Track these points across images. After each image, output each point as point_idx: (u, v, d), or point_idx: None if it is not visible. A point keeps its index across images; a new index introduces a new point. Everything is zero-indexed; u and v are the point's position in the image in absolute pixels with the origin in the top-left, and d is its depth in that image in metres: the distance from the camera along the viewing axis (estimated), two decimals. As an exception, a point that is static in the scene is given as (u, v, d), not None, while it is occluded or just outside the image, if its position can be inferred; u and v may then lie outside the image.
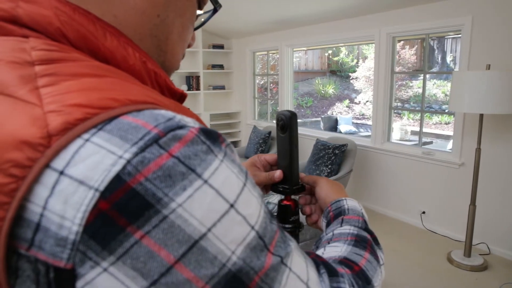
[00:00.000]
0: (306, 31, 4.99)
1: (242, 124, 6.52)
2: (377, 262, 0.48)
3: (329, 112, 13.11)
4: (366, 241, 0.51)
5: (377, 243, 0.53)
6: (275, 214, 0.70)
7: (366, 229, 0.54)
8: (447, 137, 9.13)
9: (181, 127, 0.28)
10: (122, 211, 0.25)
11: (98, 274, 0.25)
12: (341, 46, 12.61)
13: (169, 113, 0.29)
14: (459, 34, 3.40)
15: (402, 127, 9.37)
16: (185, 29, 0.44)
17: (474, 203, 3.03)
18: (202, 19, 0.52)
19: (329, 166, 4.00)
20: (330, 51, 13.93)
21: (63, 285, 0.25)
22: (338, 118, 10.99)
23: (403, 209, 4.03)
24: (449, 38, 11.30)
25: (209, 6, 0.49)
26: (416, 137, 4.02)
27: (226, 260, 0.28)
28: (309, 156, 4.34)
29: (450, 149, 3.65)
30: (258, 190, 0.33)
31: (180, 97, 0.42)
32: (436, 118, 10.74)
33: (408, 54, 11.33)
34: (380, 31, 4.01)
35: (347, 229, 0.53)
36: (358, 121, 11.72)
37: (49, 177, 0.25)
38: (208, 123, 6.11)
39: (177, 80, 6.10)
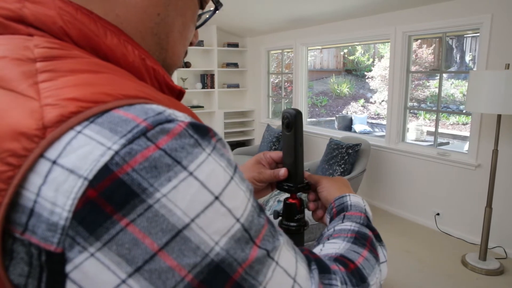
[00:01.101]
0: (321, 29, 4.96)
1: (256, 122, 6.53)
2: (376, 260, 0.48)
3: (344, 112, 13.01)
4: (366, 238, 0.50)
5: (379, 240, 0.53)
6: (281, 212, 0.71)
7: (368, 226, 0.54)
8: (464, 138, 8.95)
9: (169, 121, 0.29)
10: (109, 199, 0.26)
11: (85, 258, 0.26)
12: (357, 45, 12.49)
13: (160, 108, 0.30)
14: (478, 32, 3.32)
15: (418, 127, 9.22)
16: (186, 28, 0.45)
17: (490, 206, 2.96)
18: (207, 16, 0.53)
19: (342, 166, 3.97)
20: (345, 50, 13.80)
21: (53, 268, 0.26)
22: (353, 118, 10.89)
23: (417, 210, 3.97)
24: (469, 36, 11.06)
25: (211, 5, 0.50)
26: (432, 138, 3.95)
27: (209, 250, 0.28)
28: (322, 155, 4.31)
29: (466, 150, 3.58)
30: (246, 184, 0.34)
31: (178, 93, 0.43)
32: (453, 119, 10.54)
33: (426, 53, 11.14)
34: (395, 30, 3.95)
35: (348, 225, 0.53)
36: (373, 121, 11.59)
37: (43, 166, 0.27)
38: (222, 121, 6.14)
39: (191, 78, 6.15)
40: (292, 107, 0.69)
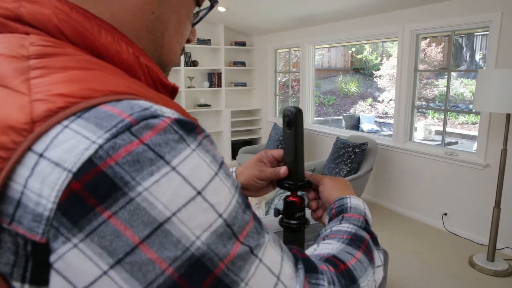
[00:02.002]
0: (328, 28, 4.94)
1: (263, 121, 6.53)
2: (370, 262, 0.48)
3: (351, 111, 12.94)
4: (362, 240, 0.50)
5: (377, 244, 0.53)
6: (281, 210, 0.71)
7: (366, 229, 0.54)
8: (473, 138, 8.85)
9: (155, 116, 0.30)
10: (92, 191, 0.27)
11: (69, 249, 0.27)
12: (364, 43, 12.40)
13: (147, 104, 0.31)
14: (488, 31, 3.28)
15: (426, 127, 9.14)
16: (182, 25, 0.46)
17: (498, 206, 2.93)
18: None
19: (349, 165, 3.96)
20: (353, 49, 13.73)
21: (38, 258, 0.27)
22: (360, 117, 10.83)
23: (424, 210, 3.94)
24: (479, 35, 10.92)
25: (208, 2, 0.50)
26: (440, 137, 3.91)
27: (189, 244, 0.29)
28: (329, 155, 4.30)
29: (475, 150, 3.55)
30: (232, 180, 0.34)
31: (172, 90, 0.44)
32: (462, 118, 10.42)
33: (435, 52, 11.03)
34: (403, 28, 3.92)
35: (345, 227, 0.53)
36: (381, 120, 11.51)
37: (30, 159, 0.28)
38: (229, 120, 6.14)
39: (199, 77, 6.16)
40: (293, 105, 0.69)
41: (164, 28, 0.43)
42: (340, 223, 0.54)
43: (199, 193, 0.30)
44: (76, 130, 0.28)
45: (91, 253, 0.27)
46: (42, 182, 0.27)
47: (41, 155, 0.27)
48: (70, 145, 0.27)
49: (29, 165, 0.27)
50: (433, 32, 3.92)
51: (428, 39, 10.72)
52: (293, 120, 0.64)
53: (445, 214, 3.72)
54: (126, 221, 0.27)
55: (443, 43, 11.17)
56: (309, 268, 0.38)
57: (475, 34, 10.90)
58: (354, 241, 0.49)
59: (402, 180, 4.14)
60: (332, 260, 0.44)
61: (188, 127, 0.32)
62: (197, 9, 0.49)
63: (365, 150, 4.01)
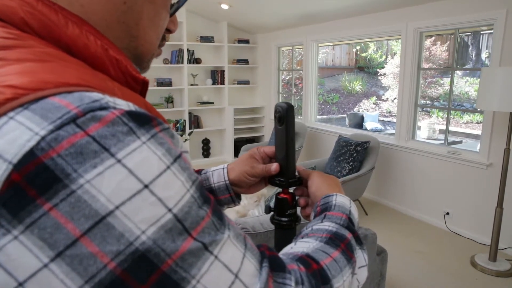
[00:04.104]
0: (331, 26, 4.92)
1: (266, 119, 6.52)
2: (348, 262, 0.46)
3: (355, 109, 12.90)
4: (342, 239, 0.49)
5: (360, 243, 0.51)
6: (272, 207, 0.70)
7: (349, 228, 0.52)
8: (477, 137, 8.78)
9: (103, 108, 0.30)
10: (32, 183, 0.27)
11: (9, 241, 0.26)
12: (368, 41, 12.33)
13: (98, 95, 0.31)
14: (493, 29, 3.25)
15: (430, 126, 9.09)
16: (157, 15, 0.45)
17: (501, 206, 2.91)
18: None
19: (351, 163, 3.94)
20: (358, 47, 13.67)
21: None
22: (364, 115, 10.79)
23: (426, 210, 3.92)
24: (485, 33, 10.83)
25: None
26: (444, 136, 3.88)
27: (134, 238, 0.28)
28: (331, 153, 4.29)
29: (478, 149, 3.52)
30: (188, 174, 0.33)
31: (143, 84, 0.43)
32: (467, 117, 10.36)
33: (440, 51, 10.95)
34: (407, 26, 3.89)
35: (326, 225, 0.52)
36: (385, 119, 11.46)
37: None
38: (231, 118, 6.14)
39: (202, 74, 6.16)
40: (285, 101, 0.68)
41: (137, 18, 0.42)
42: (322, 222, 0.53)
43: (146, 186, 0.29)
44: (21, 121, 0.28)
45: (31, 245, 0.27)
46: None
47: None
48: (13, 136, 0.27)
49: None
50: (437, 30, 3.89)
51: (433, 38, 10.64)
52: (284, 116, 0.63)
53: (447, 213, 3.70)
54: (67, 214, 0.27)
55: (448, 42, 11.09)
56: (276, 266, 0.37)
57: (481, 32, 10.81)
58: (333, 240, 0.48)
59: (404, 179, 4.12)
60: (305, 259, 0.43)
61: (141, 120, 0.31)
62: None
63: (367, 149, 3.99)
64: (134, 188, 0.29)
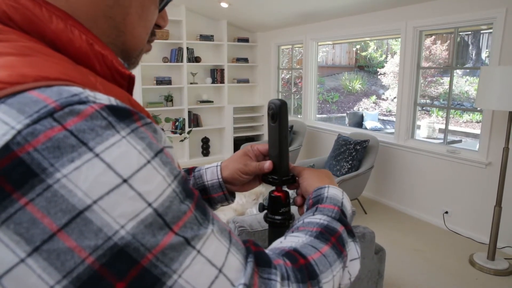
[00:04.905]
0: (331, 24, 4.92)
1: (265, 118, 6.49)
2: (338, 256, 0.46)
3: (355, 108, 12.89)
4: (333, 233, 0.48)
5: (352, 236, 0.51)
6: (266, 205, 0.69)
7: (341, 220, 0.51)
8: (477, 136, 8.76)
9: (82, 102, 0.29)
10: (8, 177, 0.26)
11: None
12: (368, 40, 12.32)
13: (78, 90, 0.30)
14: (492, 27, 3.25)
15: (430, 125, 9.08)
16: (145, 10, 0.44)
17: (499, 205, 2.91)
18: None
19: (350, 162, 3.94)
20: (358, 46, 13.65)
21: None
22: (364, 114, 10.78)
23: (425, 208, 3.92)
24: (485, 32, 10.81)
25: None
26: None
27: (112, 233, 0.28)
28: (330, 151, 4.29)
29: (477, 148, 3.52)
30: (171, 169, 0.33)
31: (129, 79, 0.43)
32: (467, 116, 10.35)
33: (440, 50, 10.93)
34: (406, 25, 3.89)
35: (317, 218, 0.51)
36: (385, 118, 11.45)
37: None
38: (231, 116, 6.13)
39: (201, 73, 6.16)
40: (278, 98, 0.68)
41: (124, 13, 0.42)
42: (313, 215, 0.52)
43: (125, 181, 0.29)
44: None
45: (8, 240, 0.26)
46: None
47: None
48: None
49: None
50: (436, 29, 3.88)
51: (433, 37, 10.63)
52: (277, 113, 0.62)
53: (446, 212, 3.70)
54: (43, 208, 0.27)
55: (449, 41, 11.07)
56: (262, 262, 0.37)
57: (481, 31, 10.79)
58: (323, 234, 0.48)
59: (404, 178, 4.12)
60: (292, 254, 0.43)
61: (121, 114, 0.31)
62: None
63: (366, 148, 3.99)
64: (113, 182, 0.28)
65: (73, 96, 0.29)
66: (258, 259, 0.37)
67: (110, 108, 0.30)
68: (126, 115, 0.31)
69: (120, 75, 0.41)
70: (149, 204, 0.30)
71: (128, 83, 0.42)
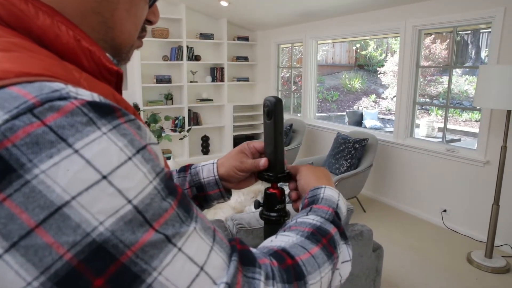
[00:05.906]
0: (330, 23, 4.92)
1: (265, 116, 6.51)
2: (328, 258, 0.46)
3: (354, 107, 12.88)
4: (324, 234, 0.48)
5: (344, 238, 0.51)
6: (261, 202, 0.70)
7: (334, 222, 0.51)
8: (476, 135, 8.77)
9: (62, 98, 0.29)
10: None
11: None
12: (368, 39, 12.32)
13: (60, 85, 0.30)
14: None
15: (429, 124, 9.08)
16: (134, 5, 0.44)
17: (497, 203, 2.92)
18: None
19: (349, 160, 3.95)
20: (358, 45, 13.64)
21: None
22: (363, 113, 10.78)
23: (423, 207, 3.93)
24: (485, 32, 10.80)
25: None
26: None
27: (91, 229, 0.28)
28: (329, 150, 4.30)
29: (476, 147, 3.53)
30: (153, 166, 0.33)
31: (117, 75, 0.42)
32: (466, 115, 10.35)
33: (439, 49, 10.93)
34: (405, 24, 3.90)
35: (310, 219, 0.51)
36: (385, 117, 11.45)
37: None
38: (231, 115, 6.14)
39: (201, 71, 6.16)
40: (273, 95, 0.68)
41: (113, 9, 0.42)
42: (307, 215, 0.52)
43: (104, 177, 0.29)
44: None
45: None
46: None
47: None
48: None
49: None
50: (435, 28, 3.89)
51: (433, 36, 10.62)
52: (272, 110, 0.62)
53: (445, 210, 3.71)
54: (21, 204, 0.26)
55: (448, 40, 11.07)
56: (246, 260, 0.37)
57: (480, 31, 10.78)
58: (314, 234, 0.47)
59: (402, 176, 4.13)
60: (280, 254, 0.42)
61: (103, 110, 0.31)
62: None
63: (365, 146, 4.00)
64: (92, 179, 0.28)
65: (54, 92, 0.29)
66: (243, 258, 0.37)
67: (92, 105, 0.30)
68: (108, 112, 0.31)
69: (108, 71, 0.41)
70: (129, 201, 0.30)
71: (116, 79, 0.42)
